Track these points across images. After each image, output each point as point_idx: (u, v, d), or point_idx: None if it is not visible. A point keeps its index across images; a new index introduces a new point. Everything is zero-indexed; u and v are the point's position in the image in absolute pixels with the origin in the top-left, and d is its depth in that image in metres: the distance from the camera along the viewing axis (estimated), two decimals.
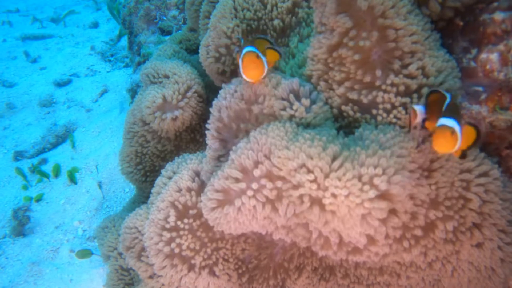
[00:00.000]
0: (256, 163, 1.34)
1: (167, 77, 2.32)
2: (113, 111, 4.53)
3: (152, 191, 1.93)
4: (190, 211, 1.68)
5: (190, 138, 2.59)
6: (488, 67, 1.46)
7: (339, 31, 1.47)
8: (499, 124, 1.49)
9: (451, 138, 1.18)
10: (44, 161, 4.04)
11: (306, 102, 1.49)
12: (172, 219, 1.65)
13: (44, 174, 3.77)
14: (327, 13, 1.50)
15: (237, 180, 1.37)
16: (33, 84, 5.21)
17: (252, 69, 1.41)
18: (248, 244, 1.76)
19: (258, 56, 1.41)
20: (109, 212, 3.33)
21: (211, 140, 1.65)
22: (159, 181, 1.91)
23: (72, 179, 3.67)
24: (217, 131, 1.62)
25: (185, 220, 1.66)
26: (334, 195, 1.24)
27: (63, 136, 4.30)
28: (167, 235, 1.64)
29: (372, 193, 1.20)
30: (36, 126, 4.53)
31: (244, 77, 1.44)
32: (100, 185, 3.59)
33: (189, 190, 1.69)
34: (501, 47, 1.44)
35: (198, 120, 2.42)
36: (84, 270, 2.87)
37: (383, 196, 1.24)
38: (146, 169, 2.60)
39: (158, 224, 1.66)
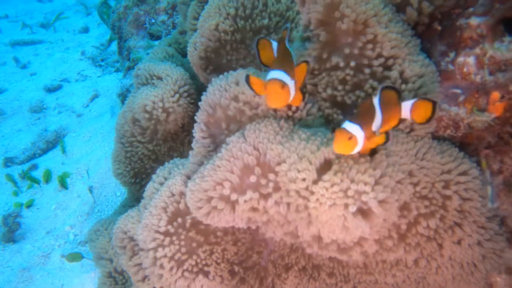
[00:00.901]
0: (249, 157, 1.38)
1: (160, 78, 2.35)
2: (104, 116, 4.54)
3: (144, 195, 1.95)
4: (183, 216, 1.70)
5: (182, 139, 2.61)
6: (465, 70, 1.51)
7: (322, 39, 1.52)
8: (476, 125, 1.54)
9: (348, 142, 1.24)
10: (35, 166, 4.03)
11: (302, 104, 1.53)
12: (164, 223, 1.68)
13: (35, 180, 3.77)
14: (312, 23, 1.54)
15: (229, 173, 1.41)
16: (23, 90, 5.20)
17: (276, 102, 1.30)
18: (240, 246, 1.79)
19: (283, 86, 1.28)
20: (100, 216, 3.34)
21: (199, 133, 1.67)
22: (150, 186, 1.92)
23: (63, 184, 3.67)
24: (206, 125, 1.64)
25: (177, 224, 1.69)
26: (319, 202, 1.29)
27: (54, 142, 4.30)
28: (160, 237, 1.67)
29: (354, 209, 1.26)
30: (27, 132, 4.53)
31: (267, 104, 1.36)
32: (91, 190, 3.60)
33: (182, 194, 1.72)
34: (477, 50, 1.48)
35: (190, 121, 2.45)
36: (75, 275, 2.88)
37: (365, 213, 1.29)
38: (135, 170, 2.60)
39: (152, 228, 1.68)
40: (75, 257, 2.84)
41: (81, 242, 3.16)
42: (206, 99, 1.60)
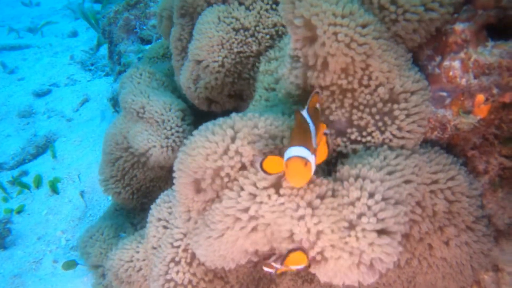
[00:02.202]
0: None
1: (156, 120, 2.37)
2: (95, 120, 4.53)
3: (147, 232, 1.94)
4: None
5: None
6: (451, 73, 1.55)
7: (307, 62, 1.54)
8: (462, 126, 1.59)
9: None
10: (25, 172, 4.01)
11: None
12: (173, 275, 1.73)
13: (25, 186, 3.74)
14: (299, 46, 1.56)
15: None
16: (12, 95, 5.16)
17: (299, 181, 1.23)
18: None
19: (306, 164, 1.21)
20: (92, 220, 3.33)
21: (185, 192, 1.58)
22: (153, 229, 1.91)
23: (54, 189, 3.65)
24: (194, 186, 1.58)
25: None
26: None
27: (44, 147, 4.28)
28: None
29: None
30: (16, 137, 4.49)
31: (287, 182, 1.29)
32: (82, 194, 3.58)
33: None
34: (462, 55, 1.53)
35: None
36: (68, 280, 2.87)
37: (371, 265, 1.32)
38: (133, 189, 2.66)
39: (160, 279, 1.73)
40: (71, 265, 2.83)
41: (73, 247, 3.15)
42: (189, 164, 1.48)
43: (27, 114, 4.81)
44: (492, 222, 1.71)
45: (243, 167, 1.40)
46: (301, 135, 1.27)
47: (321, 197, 1.36)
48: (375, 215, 1.27)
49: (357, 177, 1.36)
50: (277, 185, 1.36)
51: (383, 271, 1.30)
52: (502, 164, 1.70)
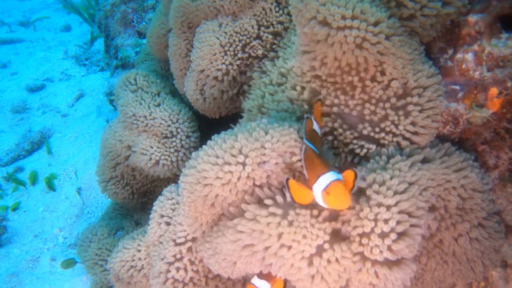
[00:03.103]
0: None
1: (162, 133, 2.26)
2: (90, 116, 4.45)
3: (148, 228, 1.89)
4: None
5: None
6: (464, 66, 1.52)
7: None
8: (475, 120, 1.56)
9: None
10: (20, 169, 3.93)
11: None
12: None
13: (20, 182, 3.67)
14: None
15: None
16: (4, 90, 5.06)
17: (343, 204, 1.23)
18: None
19: (345, 188, 1.24)
20: (90, 218, 3.28)
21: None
22: (155, 225, 1.86)
23: (50, 186, 3.59)
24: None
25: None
26: None
27: (39, 143, 4.20)
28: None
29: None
30: (9, 133, 4.40)
31: (325, 205, 1.27)
32: (79, 191, 3.52)
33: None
34: (475, 47, 1.50)
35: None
36: (66, 279, 2.82)
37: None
38: (133, 189, 2.61)
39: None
40: (69, 263, 2.77)
41: (71, 245, 3.10)
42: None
43: (21, 110, 4.72)
44: (501, 218, 1.69)
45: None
46: (321, 160, 1.32)
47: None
48: (389, 248, 1.24)
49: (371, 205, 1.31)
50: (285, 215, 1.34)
51: None
52: None
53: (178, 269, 1.67)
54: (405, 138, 1.48)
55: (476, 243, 1.57)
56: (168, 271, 1.68)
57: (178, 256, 1.69)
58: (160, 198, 1.89)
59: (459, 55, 1.53)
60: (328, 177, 1.25)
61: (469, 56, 1.51)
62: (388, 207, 1.27)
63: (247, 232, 1.32)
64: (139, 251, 1.92)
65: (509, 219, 1.82)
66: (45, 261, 3.00)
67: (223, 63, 2.02)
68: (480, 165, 1.63)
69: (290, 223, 1.29)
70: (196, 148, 2.21)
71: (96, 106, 4.57)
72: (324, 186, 1.23)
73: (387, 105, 1.45)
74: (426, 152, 1.47)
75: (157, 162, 2.22)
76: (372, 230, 1.25)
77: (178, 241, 1.70)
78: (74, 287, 2.76)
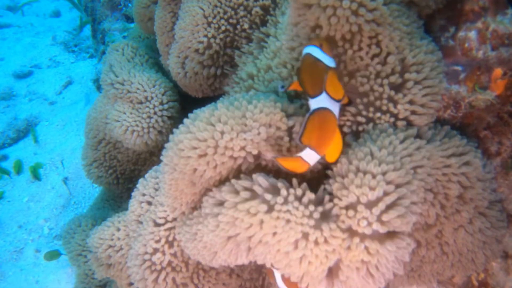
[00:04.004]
0: None
1: (137, 98, 2.15)
2: (79, 103, 4.34)
3: (129, 208, 1.79)
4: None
5: (163, 144, 2.48)
6: (466, 45, 1.42)
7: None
8: (478, 104, 1.46)
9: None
10: (4, 157, 3.83)
11: None
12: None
13: (5, 171, 3.56)
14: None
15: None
16: None
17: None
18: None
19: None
20: (77, 208, 3.18)
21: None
22: (135, 204, 1.77)
23: (36, 175, 3.48)
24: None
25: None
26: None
27: (25, 131, 4.10)
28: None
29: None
30: None
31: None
32: (66, 181, 3.42)
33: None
34: (479, 24, 1.40)
35: (171, 130, 2.30)
36: (51, 271, 2.73)
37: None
38: (117, 173, 2.52)
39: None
40: (53, 255, 2.68)
41: (57, 236, 3.01)
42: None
43: (7, 97, 4.59)
44: (503, 207, 1.61)
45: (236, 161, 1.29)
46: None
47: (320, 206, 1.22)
48: (378, 218, 1.13)
49: (357, 172, 1.21)
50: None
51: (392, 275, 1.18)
52: None
53: (155, 251, 1.57)
54: (402, 118, 1.37)
55: (477, 233, 1.49)
56: (145, 253, 1.58)
57: (157, 238, 1.58)
58: (145, 176, 1.78)
59: (461, 33, 1.42)
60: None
61: (472, 34, 1.41)
62: (374, 176, 1.16)
63: (229, 222, 1.22)
64: (118, 230, 1.81)
65: (511, 209, 1.74)
66: (30, 253, 2.91)
67: (205, 36, 1.87)
68: (482, 152, 1.53)
69: (271, 208, 1.18)
70: (171, 118, 2.13)
71: (85, 93, 4.45)
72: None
73: (385, 81, 1.33)
74: (423, 131, 1.37)
75: (126, 129, 2.09)
76: (358, 200, 1.14)
77: (158, 221, 1.60)
78: (59, 279, 2.67)
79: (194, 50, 1.92)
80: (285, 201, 1.18)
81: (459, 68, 1.45)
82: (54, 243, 2.97)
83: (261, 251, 1.22)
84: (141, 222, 1.70)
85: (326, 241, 1.15)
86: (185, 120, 1.31)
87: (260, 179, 1.24)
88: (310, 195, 1.21)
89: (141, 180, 1.77)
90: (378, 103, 1.36)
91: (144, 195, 1.73)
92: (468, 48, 1.41)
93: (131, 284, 1.82)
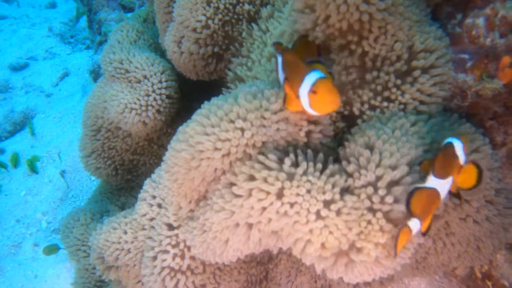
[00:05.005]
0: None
1: (135, 77, 2.11)
2: (75, 95, 4.28)
3: (137, 210, 1.75)
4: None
5: (163, 131, 2.44)
6: (474, 32, 1.38)
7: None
8: (485, 93, 1.42)
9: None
10: (1, 150, 3.78)
11: None
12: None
13: (1, 165, 3.52)
14: None
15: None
16: None
17: (330, 103, 1.11)
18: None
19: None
20: (75, 202, 3.14)
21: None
22: (145, 206, 1.72)
23: (33, 168, 3.44)
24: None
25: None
26: None
27: (21, 124, 4.05)
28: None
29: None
30: None
31: (314, 112, 1.15)
32: (63, 174, 3.37)
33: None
34: (487, 11, 1.36)
35: (172, 116, 2.26)
36: (50, 265, 2.70)
37: None
38: (116, 163, 2.47)
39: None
40: (52, 249, 2.64)
41: (55, 230, 2.97)
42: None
43: (3, 89, 4.53)
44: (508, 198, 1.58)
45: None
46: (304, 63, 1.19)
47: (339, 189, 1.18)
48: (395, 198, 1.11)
49: (368, 148, 1.19)
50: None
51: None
52: None
53: (174, 256, 1.54)
54: (410, 107, 1.33)
55: (485, 222, 1.46)
56: (163, 260, 1.54)
57: (174, 242, 1.54)
58: (153, 176, 1.73)
59: (468, 20, 1.38)
60: (313, 75, 1.11)
61: (480, 21, 1.37)
62: (392, 154, 1.15)
63: (244, 195, 1.16)
64: (126, 232, 1.77)
65: None
66: (28, 247, 2.87)
67: (203, 14, 1.83)
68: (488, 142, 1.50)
69: (291, 177, 1.15)
70: (170, 97, 2.10)
71: (81, 85, 4.39)
72: (310, 85, 1.10)
73: (391, 69, 1.29)
74: (433, 117, 1.34)
75: (125, 106, 2.05)
76: (377, 179, 1.13)
77: (173, 224, 1.56)
78: (58, 273, 2.64)
79: (192, 29, 1.88)
80: (305, 172, 1.15)
81: (466, 56, 1.41)
82: (52, 237, 2.93)
83: (277, 226, 1.17)
84: (152, 227, 1.66)
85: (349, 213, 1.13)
86: (196, 117, 1.25)
87: (272, 156, 1.20)
88: (332, 167, 1.19)
89: (148, 181, 1.72)
90: (386, 93, 1.33)
91: (154, 197, 1.68)
92: (475, 35, 1.38)
93: (139, 282, 1.79)
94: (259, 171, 1.15)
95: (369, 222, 1.12)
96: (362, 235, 1.13)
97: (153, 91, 2.05)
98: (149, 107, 2.05)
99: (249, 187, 1.15)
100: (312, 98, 1.10)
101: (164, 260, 1.54)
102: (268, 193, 1.13)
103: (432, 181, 1.14)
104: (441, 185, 1.14)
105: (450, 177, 1.15)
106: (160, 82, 2.07)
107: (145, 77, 2.07)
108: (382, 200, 1.12)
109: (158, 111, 2.07)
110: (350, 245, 1.14)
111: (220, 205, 1.22)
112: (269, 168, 1.16)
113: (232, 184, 1.22)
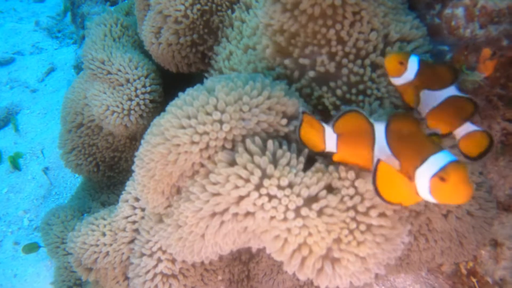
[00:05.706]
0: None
1: (118, 80, 2.05)
2: (61, 91, 4.22)
3: (117, 212, 1.69)
4: None
5: (146, 131, 2.38)
6: (453, 23, 1.34)
7: None
8: (466, 86, 1.38)
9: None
10: None
11: None
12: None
13: None
14: None
15: None
16: None
17: (463, 195, 0.92)
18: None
19: None
20: (58, 199, 3.09)
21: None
22: (127, 209, 1.66)
23: (15, 165, 3.38)
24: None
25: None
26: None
27: (5, 119, 3.99)
28: None
29: None
30: None
31: (432, 200, 0.96)
32: (46, 171, 3.32)
33: None
34: (466, 1, 1.32)
35: (153, 114, 2.20)
36: (30, 264, 2.65)
37: None
38: (97, 160, 2.43)
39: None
40: (32, 247, 2.58)
41: (37, 227, 2.92)
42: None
43: None
44: (493, 194, 1.55)
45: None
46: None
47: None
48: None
49: None
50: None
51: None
52: (505, 130, 1.53)
53: (166, 261, 1.49)
54: (387, 102, 1.28)
55: (467, 217, 1.42)
56: (154, 266, 1.49)
57: (164, 248, 1.48)
58: (134, 176, 1.68)
59: (447, 11, 1.34)
60: (443, 157, 0.94)
61: (460, 12, 1.32)
62: None
63: (221, 182, 1.10)
64: (104, 235, 1.72)
65: (500, 195, 1.68)
66: (8, 245, 2.82)
67: (182, 4, 1.77)
68: None
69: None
70: (153, 102, 2.04)
71: (68, 80, 4.33)
72: (438, 169, 0.93)
73: (367, 61, 1.24)
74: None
75: (107, 108, 2.00)
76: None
77: None
78: (38, 272, 2.60)
79: (171, 19, 1.82)
80: (288, 164, 1.10)
81: (445, 48, 1.37)
82: (34, 235, 2.88)
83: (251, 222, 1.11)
84: (135, 229, 1.62)
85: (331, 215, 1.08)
86: (171, 108, 1.19)
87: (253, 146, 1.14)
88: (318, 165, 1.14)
89: (130, 182, 1.66)
90: (361, 86, 1.28)
91: (137, 199, 1.62)
92: (455, 26, 1.33)
93: (127, 278, 1.75)
94: (240, 156, 1.10)
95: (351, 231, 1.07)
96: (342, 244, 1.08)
97: (136, 96, 1.99)
98: (132, 111, 1.99)
99: (227, 173, 1.10)
100: (438, 185, 0.93)
101: (155, 266, 1.49)
102: (247, 180, 1.07)
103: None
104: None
105: None
106: (144, 86, 2.01)
107: (128, 81, 2.01)
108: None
109: (141, 116, 2.02)
110: (328, 249, 1.09)
111: (196, 195, 1.16)
112: (251, 154, 1.10)
113: (210, 172, 1.16)
